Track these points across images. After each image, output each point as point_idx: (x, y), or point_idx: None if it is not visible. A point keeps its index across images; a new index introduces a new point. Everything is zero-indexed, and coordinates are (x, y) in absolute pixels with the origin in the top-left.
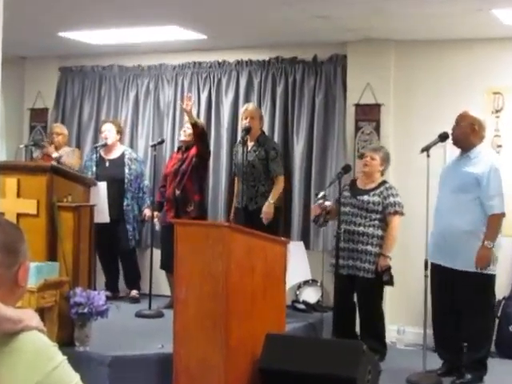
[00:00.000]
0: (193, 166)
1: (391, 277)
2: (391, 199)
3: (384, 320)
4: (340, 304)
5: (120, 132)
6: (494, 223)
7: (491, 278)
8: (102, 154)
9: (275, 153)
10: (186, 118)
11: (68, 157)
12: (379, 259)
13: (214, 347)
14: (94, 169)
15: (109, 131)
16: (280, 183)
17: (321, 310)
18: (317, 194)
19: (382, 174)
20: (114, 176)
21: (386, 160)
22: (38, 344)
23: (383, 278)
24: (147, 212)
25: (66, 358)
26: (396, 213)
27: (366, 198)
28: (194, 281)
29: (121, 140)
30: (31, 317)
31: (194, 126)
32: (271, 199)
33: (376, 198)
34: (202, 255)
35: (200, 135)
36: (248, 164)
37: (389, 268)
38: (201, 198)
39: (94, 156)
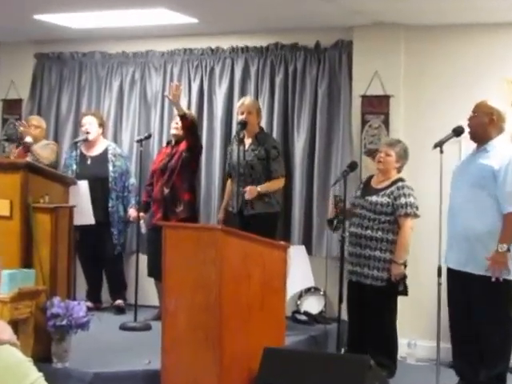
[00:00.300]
0: (182, 161)
1: (405, 286)
2: (402, 200)
3: (396, 334)
4: (352, 314)
5: (102, 125)
6: (509, 223)
7: (510, 284)
8: (83, 150)
9: (277, 152)
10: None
11: (39, 148)
12: (392, 267)
13: (206, 363)
14: (75, 167)
15: (90, 124)
16: (280, 183)
17: (324, 321)
18: (336, 196)
19: (399, 171)
20: (97, 174)
21: (402, 156)
22: (11, 360)
23: (398, 288)
24: (132, 213)
25: (42, 374)
26: (407, 215)
27: (374, 198)
28: (185, 290)
29: (103, 134)
30: (3, 330)
31: (183, 117)
32: (260, 187)
33: (385, 199)
34: (193, 262)
35: (190, 127)
36: (246, 164)
37: (404, 277)
38: (191, 197)
39: (74, 153)
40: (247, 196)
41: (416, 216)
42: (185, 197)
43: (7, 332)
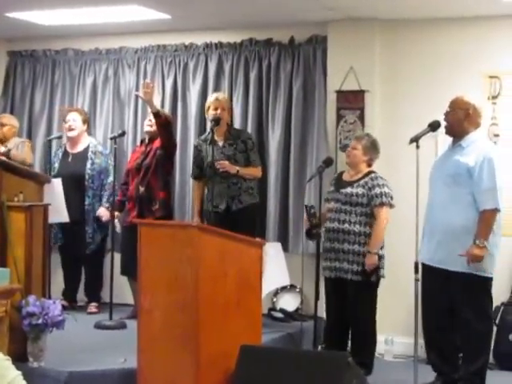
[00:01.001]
0: (157, 159)
1: (378, 278)
2: (377, 190)
3: (375, 329)
4: (330, 310)
5: (87, 122)
6: (485, 220)
7: (488, 281)
8: (68, 147)
9: (252, 143)
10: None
11: (18, 149)
12: (366, 257)
13: (182, 362)
14: (56, 165)
15: (74, 121)
16: (258, 171)
17: (300, 318)
18: (306, 206)
19: (369, 165)
20: (76, 172)
21: (370, 149)
22: None
23: (371, 278)
24: (101, 212)
25: (20, 373)
26: (383, 204)
27: (348, 190)
28: (161, 288)
29: (88, 131)
30: None
31: (156, 115)
32: (239, 168)
33: (360, 190)
34: (169, 260)
35: (163, 125)
36: (228, 160)
37: (377, 267)
38: (166, 195)
39: (60, 150)
40: (220, 166)
41: (391, 206)
42: (160, 195)
43: None
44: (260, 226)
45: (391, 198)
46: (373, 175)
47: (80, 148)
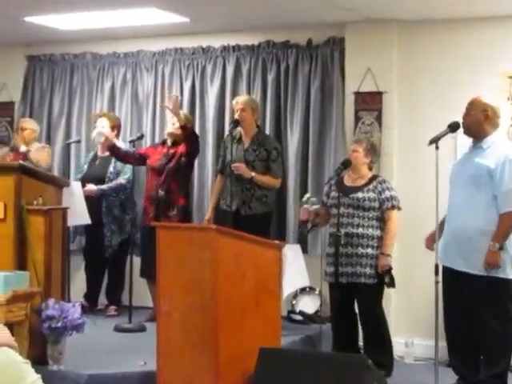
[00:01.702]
0: (180, 164)
1: (392, 278)
2: (387, 193)
3: (388, 329)
4: (339, 316)
5: (115, 127)
6: (504, 222)
7: (508, 284)
8: (98, 151)
9: (277, 153)
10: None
11: (36, 152)
12: (379, 259)
13: (201, 364)
14: (85, 167)
15: (102, 127)
16: (276, 182)
17: (319, 321)
18: (302, 198)
19: (371, 168)
20: (99, 175)
21: (370, 151)
22: (7, 362)
23: (385, 279)
24: (90, 187)
25: (39, 376)
26: (393, 207)
27: (360, 195)
28: (179, 291)
29: (118, 136)
30: (0, 332)
31: (183, 128)
32: (255, 174)
33: (371, 194)
34: (187, 262)
35: (190, 137)
36: (246, 165)
37: (390, 268)
38: (186, 202)
39: (91, 154)
40: (235, 168)
41: (400, 208)
42: (179, 202)
43: (5, 334)
44: (278, 228)
45: (399, 201)
46: (380, 179)
47: (107, 152)
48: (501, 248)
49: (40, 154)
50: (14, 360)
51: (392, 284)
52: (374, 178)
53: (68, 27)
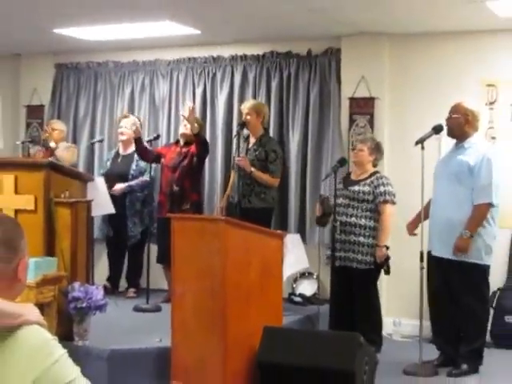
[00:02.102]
0: (192, 163)
1: (388, 266)
2: (381, 188)
3: (380, 311)
4: (336, 296)
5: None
6: (477, 213)
7: (485, 269)
8: (120, 149)
9: (275, 155)
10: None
11: (62, 151)
12: (376, 251)
13: (211, 342)
14: (108, 164)
15: (125, 128)
16: (272, 181)
17: (317, 302)
18: (320, 196)
19: (375, 165)
20: (121, 171)
21: (375, 150)
22: (37, 339)
23: (383, 268)
24: (117, 186)
25: (66, 351)
26: (386, 202)
27: (356, 188)
28: (191, 276)
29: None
30: (31, 311)
31: (196, 135)
32: (254, 170)
33: (366, 188)
34: (199, 250)
35: (202, 144)
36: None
37: (387, 258)
38: (198, 197)
39: (114, 151)
40: (238, 161)
41: (393, 203)
42: (192, 197)
43: (35, 314)
44: (280, 220)
45: (394, 195)
46: (378, 175)
47: (129, 151)
48: (471, 236)
49: (64, 153)
50: (42, 337)
51: (388, 272)
52: (373, 173)
53: (92, 38)
